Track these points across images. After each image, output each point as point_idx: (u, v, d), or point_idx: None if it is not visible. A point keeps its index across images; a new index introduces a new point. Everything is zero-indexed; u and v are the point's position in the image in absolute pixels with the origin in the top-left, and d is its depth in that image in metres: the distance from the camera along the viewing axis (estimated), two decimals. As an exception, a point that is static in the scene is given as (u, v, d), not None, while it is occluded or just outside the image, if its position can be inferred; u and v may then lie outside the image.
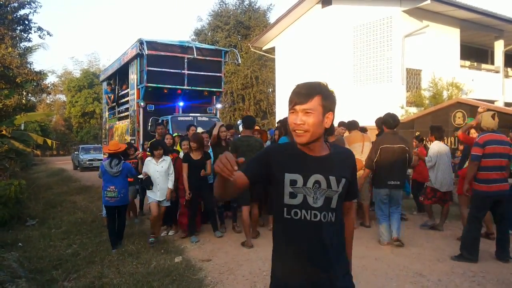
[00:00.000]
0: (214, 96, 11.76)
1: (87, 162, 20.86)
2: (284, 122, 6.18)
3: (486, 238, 5.90)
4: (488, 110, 6.06)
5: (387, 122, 5.74)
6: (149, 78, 10.30)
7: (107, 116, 15.04)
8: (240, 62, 13.36)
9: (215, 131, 6.90)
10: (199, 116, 10.33)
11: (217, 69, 11.51)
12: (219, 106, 12.03)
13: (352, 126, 7.14)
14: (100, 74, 18.10)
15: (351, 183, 1.88)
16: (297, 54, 17.74)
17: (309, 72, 16.72)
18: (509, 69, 18.34)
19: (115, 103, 13.64)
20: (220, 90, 11.74)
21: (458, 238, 5.88)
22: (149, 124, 10.21)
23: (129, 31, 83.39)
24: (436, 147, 6.45)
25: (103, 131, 16.39)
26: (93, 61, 42.77)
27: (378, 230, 5.96)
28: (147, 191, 6.07)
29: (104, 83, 15.43)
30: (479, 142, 4.93)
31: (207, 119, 10.36)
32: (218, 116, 11.65)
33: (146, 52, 10.16)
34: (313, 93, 1.75)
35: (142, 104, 10.50)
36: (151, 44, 10.38)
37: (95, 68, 40.86)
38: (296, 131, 1.75)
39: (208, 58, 11.30)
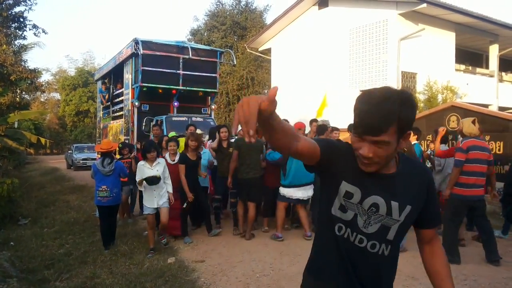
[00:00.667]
0: (209, 97, 11.76)
1: (81, 161, 20.74)
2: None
3: (478, 241, 5.93)
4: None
5: None
6: (144, 77, 10.29)
7: (101, 115, 14.99)
8: (235, 63, 13.42)
9: (214, 144, 6.83)
10: (193, 117, 10.32)
11: (212, 69, 11.52)
12: (213, 106, 12.02)
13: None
14: (95, 73, 18.06)
15: (427, 207, 1.52)
16: (293, 56, 17.76)
17: (305, 74, 16.76)
18: (503, 73, 18.45)
19: (109, 102, 13.60)
20: (215, 90, 11.74)
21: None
22: (143, 124, 10.19)
23: (125, 30, 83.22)
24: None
25: (97, 130, 16.34)
26: (88, 60, 42.67)
27: None
28: (143, 200, 5.84)
29: (99, 82, 15.38)
30: (463, 148, 5.01)
31: (201, 119, 10.36)
32: (212, 116, 11.64)
33: (141, 51, 10.15)
34: (390, 121, 1.30)
35: (136, 103, 10.50)
36: (147, 44, 10.38)
37: (90, 66, 40.71)
38: (363, 160, 1.40)
39: (203, 58, 11.31)
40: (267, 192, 6.57)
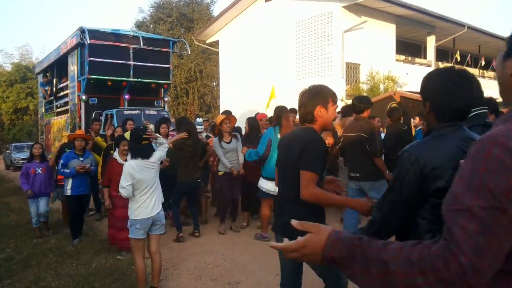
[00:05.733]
0: (162, 89, 11.41)
1: (20, 161, 19.55)
2: (280, 109, 5.46)
3: None
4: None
5: (355, 106, 5.07)
6: (91, 69, 9.79)
7: (43, 111, 14.20)
8: (189, 52, 13.10)
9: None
10: (146, 110, 10.01)
11: (165, 60, 11.14)
12: (167, 99, 11.67)
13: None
14: (35, 66, 17.04)
15: None
16: (241, 48, 17.76)
17: (253, 66, 16.83)
18: (439, 63, 19.52)
19: (53, 97, 12.90)
20: (169, 82, 11.40)
21: None
22: (92, 118, 9.76)
23: (64, 22, 78.90)
24: None
25: (39, 127, 15.49)
26: (25, 54, 40.14)
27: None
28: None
29: (40, 76, 14.54)
30: None
31: (155, 112, 10.05)
32: (166, 109, 11.34)
33: (88, 41, 9.63)
34: None
35: (83, 97, 10.00)
36: (94, 33, 9.87)
37: (27, 61, 38.40)
38: None
39: (155, 48, 10.92)
40: (248, 187, 6.28)
